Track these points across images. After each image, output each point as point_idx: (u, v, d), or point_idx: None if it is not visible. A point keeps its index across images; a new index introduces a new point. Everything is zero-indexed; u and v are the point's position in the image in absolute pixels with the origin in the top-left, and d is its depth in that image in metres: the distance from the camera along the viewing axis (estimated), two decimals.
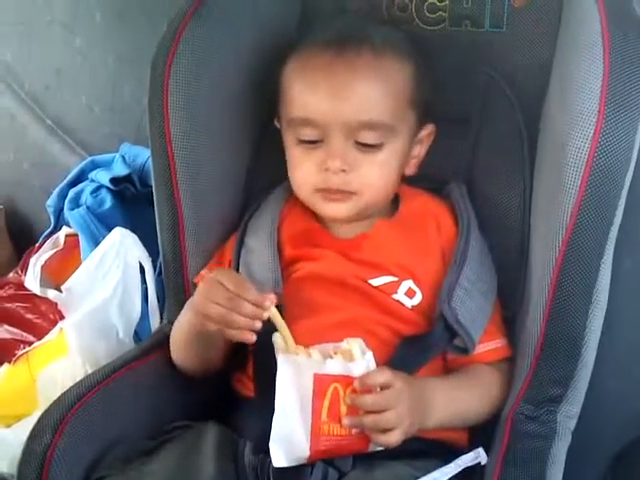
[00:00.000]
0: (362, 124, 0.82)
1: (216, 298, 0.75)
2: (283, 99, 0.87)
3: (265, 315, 0.75)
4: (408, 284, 0.85)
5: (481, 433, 0.85)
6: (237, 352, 0.86)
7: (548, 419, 0.82)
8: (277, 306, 0.82)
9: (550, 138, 0.84)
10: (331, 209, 0.86)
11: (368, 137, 0.82)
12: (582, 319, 0.78)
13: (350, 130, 0.82)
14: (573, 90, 0.76)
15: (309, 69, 0.84)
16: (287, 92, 0.86)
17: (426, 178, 0.92)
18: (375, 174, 0.84)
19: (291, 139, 0.86)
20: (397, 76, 0.84)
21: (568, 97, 0.78)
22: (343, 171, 0.82)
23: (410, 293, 0.85)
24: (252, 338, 0.75)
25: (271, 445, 0.73)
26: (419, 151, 0.90)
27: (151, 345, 0.91)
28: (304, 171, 0.85)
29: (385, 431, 0.73)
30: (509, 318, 0.90)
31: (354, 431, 0.73)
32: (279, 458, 0.72)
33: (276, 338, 0.77)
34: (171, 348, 0.89)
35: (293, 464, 0.73)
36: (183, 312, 0.86)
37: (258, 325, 0.75)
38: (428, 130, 0.89)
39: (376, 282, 0.85)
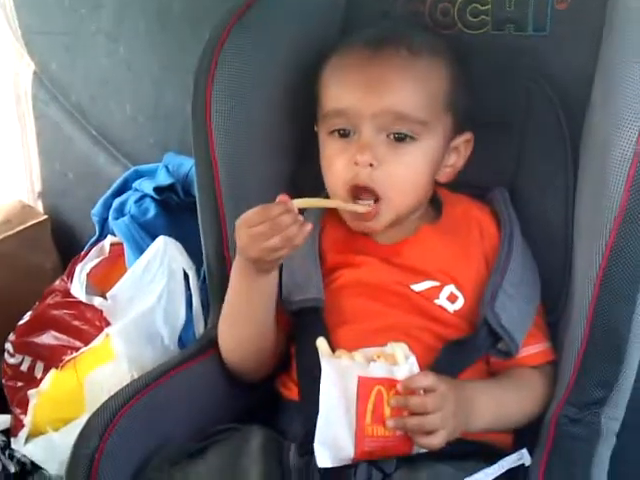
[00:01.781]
0: (393, 116, 0.82)
1: (259, 236, 0.76)
2: (320, 97, 0.87)
3: (296, 209, 0.77)
4: (450, 289, 0.85)
5: (525, 435, 0.84)
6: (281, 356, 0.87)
7: (592, 421, 0.81)
8: (318, 310, 0.84)
9: (594, 141, 0.84)
10: (363, 227, 0.87)
11: (399, 127, 0.82)
12: (626, 322, 0.78)
13: (381, 123, 0.82)
14: (618, 92, 0.76)
15: (346, 65, 0.85)
16: (324, 89, 0.87)
17: (468, 184, 0.92)
18: (401, 172, 0.83)
19: (324, 134, 0.87)
20: (432, 76, 0.84)
21: (612, 100, 0.77)
22: (371, 166, 0.82)
23: (452, 298, 0.85)
24: (309, 227, 0.78)
25: (316, 446, 0.73)
26: (455, 160, 0.89)
27: (196, 350, 0.92)
28: (336, 167, 0.85)
29: (429, 433, 0.73)
30: (553, 323, 0.89)
31: (398, 433, 0.74)
32: (324, 459, 0.73)
33: (319, 342, 0.78)
34: (222, 346, 0.89)
35: (337, 465, 0.74)
36: (226, 296, 0.86)
37: (307, 227, 0.78)
38: (465, 137, 0.89)
39: (418, 287, 0.85)
